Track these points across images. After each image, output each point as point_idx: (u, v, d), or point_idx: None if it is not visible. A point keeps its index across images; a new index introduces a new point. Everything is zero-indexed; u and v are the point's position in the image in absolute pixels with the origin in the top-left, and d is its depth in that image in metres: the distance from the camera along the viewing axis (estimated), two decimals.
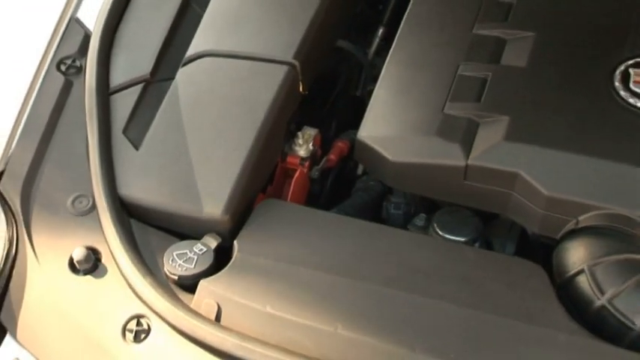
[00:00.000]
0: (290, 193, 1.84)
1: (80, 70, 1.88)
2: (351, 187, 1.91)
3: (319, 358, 1.50)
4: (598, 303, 1.58)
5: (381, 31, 2.06)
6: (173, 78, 1.85)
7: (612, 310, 1.57)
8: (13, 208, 1.72)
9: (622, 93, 1.74)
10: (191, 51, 1.88)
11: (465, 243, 1.75)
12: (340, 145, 1.91)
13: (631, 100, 1.73)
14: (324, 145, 1.92)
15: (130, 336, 1.57)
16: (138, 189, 1.72)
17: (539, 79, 1.80)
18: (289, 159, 1.86)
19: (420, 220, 1.81)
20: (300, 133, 1.87)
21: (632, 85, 1.75)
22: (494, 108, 1.75)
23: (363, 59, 2.03)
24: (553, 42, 1.85)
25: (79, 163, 1.76)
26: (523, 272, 1.64)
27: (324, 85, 1.96)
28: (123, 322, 1.58)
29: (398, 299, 1.58)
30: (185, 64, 1.86)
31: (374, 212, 1.86)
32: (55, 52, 1.91)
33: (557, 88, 1.78)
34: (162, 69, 1.88)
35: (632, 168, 1.66)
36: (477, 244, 1.76)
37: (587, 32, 1.87)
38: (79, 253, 1.63)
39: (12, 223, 1.70)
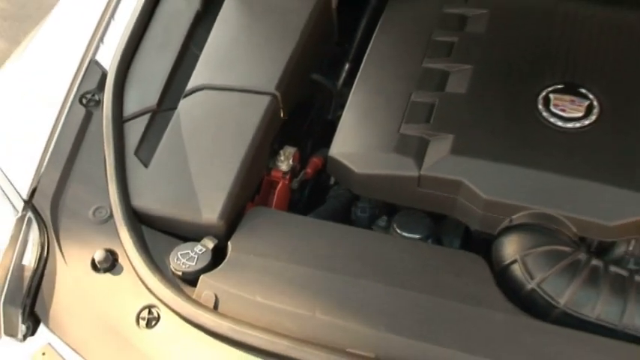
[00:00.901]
0: (274, 201, 1.85)
1: (99, 102, 1.87)
2: (325, 195, 1.92)
3: (300, 338, 1.51)
4: (529, 286, 1.60)
5: (347, 66, 2.06)
6: (176, 108, 1.85)
7: (541, 292, 1.59)
8: (44, 219, 1.72)
9: (544, 114, 1.76)
10: (190, 85, 1.88)
11: (419, 239, 1.75)
12: (315, 160, 1.92)
13: (552, 120, 1.75)
14: (302, 160, 1.93)
15: (142, 323, 1.58)
16: (147, 200, 1.72)
17: (477, 104, 1.80)
18: (273, 173, 1.86)
19: (382, 222, 1.81)
20: (281, 151, 1.88)
21: (552, 108, 1.77)
22: (441, 128, 1.75)
23: (333, 89, 2.04)
24: (488, 73, 1.86)
25: (98, 179, 1.75)
26: (467, 263, 1.66)
27: (302, 111, 1.96)
28: (137, 311, 1.59)
29: (365, 288, 1.60)
30: (185, 96, 1.86)
31: (344, 216, 1.87)
32: (78, 88, 1.91)
33: (492, 110, 1.79)
34: (166, 100, 1.88)
35: (554, 175, 1.68)
36: (429, 240, 1.76)
37: (515, 64, 1.88)
38: (99, 255, 1.64)
39: (43, 231, 1.70)
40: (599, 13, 1.97)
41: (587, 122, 1.75)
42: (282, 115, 1.85)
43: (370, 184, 1.76)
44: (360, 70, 1.92)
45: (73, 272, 1.66)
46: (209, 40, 1.96)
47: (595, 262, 1.63)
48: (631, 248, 1.72)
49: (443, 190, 1.71)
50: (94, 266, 1.65)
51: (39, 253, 1.68)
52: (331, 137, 1.82)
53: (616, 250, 1.73)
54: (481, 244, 1.73)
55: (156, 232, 1.70)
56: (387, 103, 1.83)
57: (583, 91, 1.79)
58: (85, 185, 1.77)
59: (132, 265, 1.64)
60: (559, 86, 1.81)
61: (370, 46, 1.96)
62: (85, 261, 1.66)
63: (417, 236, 1.76)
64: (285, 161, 1.87)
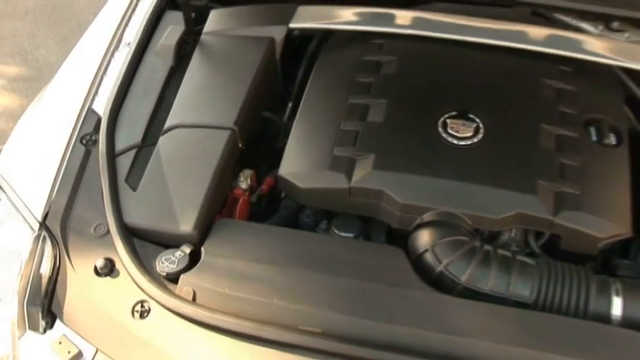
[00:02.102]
0: (237, 213, 1.84)
1: (95, 142, 1.86)
2: (278, 206, 1.92)
3: (262, 320, 1.53)
4: (438, 269, 1.62)
5: (290, 104, 2.06)
6: (156, 143, 1.84)
7: (447, 273, 1.62)
8: (55, 236, 1.71)
9: (443, 135, 1.78)
10: (167, 124, 1.87)
11: (353, 238, 1.76)
12: (269, 179, 1.91)
13: (449, 139, 1.77)
14: (258, 180, 1.92)
15: (137, 315, 1.58)
16: (136, 217, 1.71)
17: (392, 129, 1.82)
18: (235, 191, 1.86)
19: (323, 225, 1.82)
20: (241, 173, 1.87)
21: (448, 130, 1.79)
22: (365, 149, 1.76)
23: (280, 123, 2.04)
24: (399, 105, 1.87)
25: (97, 203, 1.74)
26: (390, 254, 1.67)
27: (256, 141, 1.96)
28: (132, 306, 1.59)
29: (311, 278, 1.61)
30: (163, 134, 1.85)
31: (293, 222, 1.87)
32: (79, 131, 1.90)
33: (404, 134, 1.81)
34: (149, 138, 1.87)
35: (453, 182, 1.71)
36: (360, 238, 1.77)
37: (419, 98, 1.89)
38: (100, 263, 1.64)
39: (55, 246, 1.69)
40: (481, 57, 1.99)
41: (475, 140, 1.77)
42: (240, 145, 1.85)
43: (312, 196, 1.77)
44: (300, 106, 1.92)
45: (80, 277, 1.66)
46: (180, 88, 1.95)
47: (487, 247, 1.66)
48: (513, 235, 1.75)
49: (368, 198, 1.72)
50: (97, 272, 1.64)
51: (52, 264, 1.67)
52: (280, 160, 1.82)
53: (502, 237, 1.75)
54: (400, 238, 1.73)
55: (144, 242, 1.69)
56: (322, 132, 1.83)
57: (471, 116, 1.82)
58: (87, 208, 1.75)
59: (126, 270, 1.63)
60: (453, 113, 1.82)
61: (307, 87, 1.97)
62: (89, 268, 1.65)
63: (351, 235, 1.76)
64: (244, 181, 1.86)
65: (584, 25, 2.16)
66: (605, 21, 2.13)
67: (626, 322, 1.56)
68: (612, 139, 1.84)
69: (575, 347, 1.49)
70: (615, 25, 2.13)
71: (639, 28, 2.12)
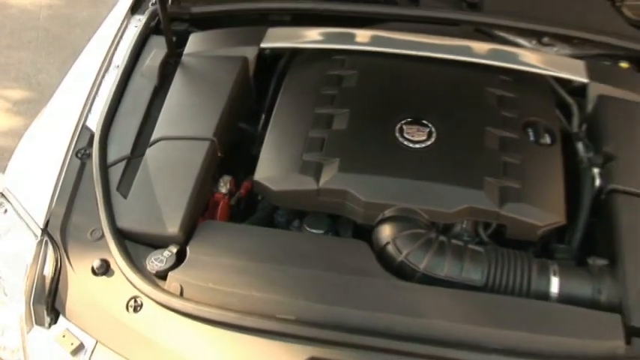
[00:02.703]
0: (218, 215, 1.82)
1: (89, 155, 1.84)
2: (255, 207, 1.90)
3: (242, 310, 1.52)
4: (399, 259, 1.62)
5: (263, 116, 2.04)
6: (144, 154, 1.82)
7: (407, 262, 1.61)
8: (56, 241, 1.69)
9: (400, 139, 1.78)
10: (153, 137, 1.85)
11: (323, 234, 1.75)
12: (247, 184, 1.89)
13: (405, 143, 1.77)
14: (237, 184, 1.90)
15: (131, 309, 1.57)
16: (128, 222, 1.69)
17: (355, 136, 1.81)
18: (216, 195, 1.84)
19: (296, 223, 1.80)
20: (221, 179, 1.85)
21: (405, 135, 1.79)
22: (331, 154, 1.75)
23: (255, 133, 2.02)
24: (360, 114, 1.86)
25: (92, 210, 1.72)
26: (356, 247, 1.66)
27: (234, 150, 1.94)
28: (126, 301, 1.58)
29: (286, 271, 1.60)
30: (150, 146, 1.83)
31: (269, 221, 1.85)
32: (75, 146, 1.88)
33: (365, 139, 1.80)
34: (137, 150, 1.84)
35: (410, 180, 1.71)
36: (329, 234, 1.76)
37: (378, 107, 1.89)
38: (96, 264, 1.62)
39: (56, 250, 1.68)
40: (432, 70, 2.00)
41: (428, 143, 1.77)
42: (219, 153, 1.83)
43: (285, 197, 1.76)
44: (272, 117, 1.91)
45: (79, 277, 1.64)
46: (164, 105, 1.93)
47: (442, 238, 1.66)
48: (464, 226, 1.75)
49: (335, 198, 1.71)
50: (94, 272, 1.63)
51: (54, 266, 1.65)
52: (256, 166, 1.80)
53: (455, 228, 1.75)
54: (366, 233, 1.72)
55: (136, 244, 1.67)
56: (292, 140, 1.82)
57: (425, 122, 1.82)
58: (83, 215, 1.73)
59: (120, 269, 1.62)
60: (408, 120, 1.82)
61: (278, 100, 1.96)
62: (86, 269, 1.64)
63: (321, 231, 1.75)
64: (224, 186, 1.85)
65: (520, 40, 2.21)
66: (537, 37, 2.19)
67: (563, 299, 1.58)
68: (547, 139, 1.86)
69: (519, 322, 1.50)
70: (546, 40, 2.19)
71: (565, 42, 2.18)
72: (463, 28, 2.21)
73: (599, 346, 1.47)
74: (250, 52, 2.05)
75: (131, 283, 1.59)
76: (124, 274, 1.60)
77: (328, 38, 2.08)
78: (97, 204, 1.72)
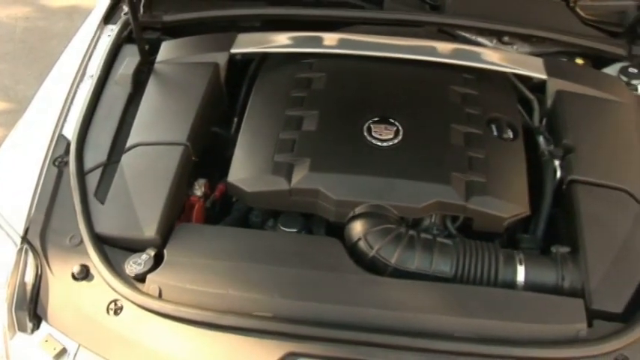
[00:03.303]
0: (194, 218, 1.80)
1: (67, 163, 1.81)
2: (230, 209, 1.88)
3: (219, 309, 1.51)
4: (371, 254, 1.62)
5: (235, 119, 2.03)
6: (120, 161, 1.80)
7: (379, 257, 1.61)
8: (36, 248, 1.67)
9: (368, 138, 1.77)
10: (128, 144, 1.83)
11: (296, 232, 1.74)
12: (221, 186, 1.88)
13: (373, 142, 1.77)
14: (212, 187, 1.89)
15: (111, 312, 1.55)
16: (106, 227, 1.67)
17: (324, 136, 1.80)
18: (191, 198, 1.82)
19: (270, 223, 1.79)
20: (196, 183, 1.84)
21: (373, 134, 1.78)
22: (302, 154, 1.75)
23: (228, 136, 2.00)
24: (329, 115, 1.86)
25: (71, 216, 1.70)
26: (328, 244, 1.66)
27: (208, 153, 1.93)
28: (106, 304, 1.56)
29: (262, 269, 1.59)
30: (126, 152, 1.81)
31: (244, 222, 1.83)
32: (52, 154, 1.85)
33: (334, 140, 1.80)
34: (113, 156, 1.82)
35: (379, 178, 1.71)
36: (303, 232, 1.75)
37: (346, 108, 1.89)
38: (76, 269, 1.61)
39: (37, 257, 1.65)
40: (398, 70, 2.00)
41: (396, 141, 1.77)
42: (193, 157, 1.82)
43: (258, 198, 1.75)
44: (244, 120, 1.90)
45: (59, 283, 1.62)
46: (138, 111, 1.91)
47: (411, 232, 1.66)
48: (433, 220, 1.75)
49: (307, 197, 1.71)
50: (74, 277, 1.61)
51: (35, 273, 1.63)
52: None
53: (424, 223, 1.75)
54: (338, 230, 1.72)
55: (114, 249, 1.65)
56: (263, 142, 1.81)
57: (392, 120, 1.81)
58: (62, 221, 1.71)
59: (100, 274, 1.60)
60: (376, 119, 1.82)
61: (249, 104, 1.95)
62: (67, 274, 1.62)
63: (294, 230, 1.74)
64: (199, 189, 1.83)
65: (481, 39, 2.22)
66: (498, 36, 2.21)
67: (529, 286, 1.59)
68: (510, 134, 1.87)
69: (488, 311, 1.51)
70: (506, 39, 2.22)
71: (525, 41, 2.21)
72: (427, 30, 2.22)
73: (563, 330, 1.49)
74: (221, 58, 2.04)
75: (111, 286, 1.57)
76: (103, 279, 1.58)
77: (297, 42, 2.07)
78: (75, 211, 1.70)
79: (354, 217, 1.67)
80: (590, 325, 1.50)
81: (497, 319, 1.50)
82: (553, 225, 1.77)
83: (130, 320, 1.54)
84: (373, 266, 1.60)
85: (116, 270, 1.59)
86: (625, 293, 1.54)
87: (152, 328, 1.52)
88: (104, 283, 1.58)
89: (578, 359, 1.45)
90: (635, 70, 2.10)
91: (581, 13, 2.27)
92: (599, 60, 2.18)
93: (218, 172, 1.89)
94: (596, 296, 1.53)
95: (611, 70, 2.14)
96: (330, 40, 2.07)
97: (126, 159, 1.79)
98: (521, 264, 1.61)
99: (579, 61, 2.18)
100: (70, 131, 1.89)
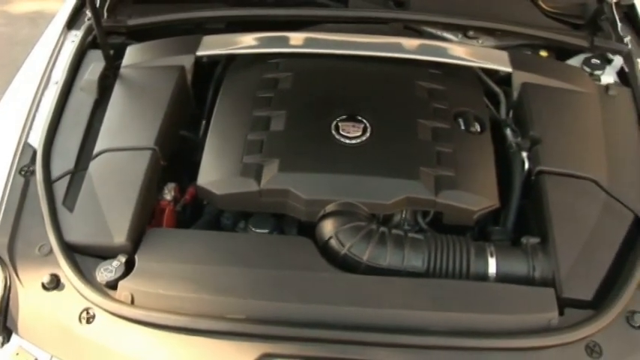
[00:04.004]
0: (165, 222, 1.79)
1: (33, 172, 1.78)
2: (201, 212, 1.87)
3: (191, 314, 1.50)
4: (342, 252, 1.61)
5: (204, 122, 2.01)
6: (87, 168, 1.78)
7: (350, 255, 1.61)
8: (4, 259, 1.63)
9: (336, 136, 1.78)
10: (95, 150, 1.81)
11: (268, 233, 1.73)
12: (191, 189, 1.86)
13: (341, 140, 1.77)
14: (182, 190, 1.87)
15: (83, 321, 1.53)
16: (75, 235, 1.65)
17: (292, 136, 1.80)
18: (162, 202, 1.80)
19: (241, 224, 1.77)
20: (165, 187, 1.82)
21: (340, 131, 1.79)
22: (270, 155, 1.74)
23: (196, 139, 1.99)
24: (296, 115, 1.85)
25: (39, 226, 1.67)
26: (300, 244, 1.65)
27: (177, 157, 1.91)
28: (78, 313, 1.54)
29: (234, 272, 1.58)
30: (93, 159, 1.79)
31: (215, 224, 1.83)
32: (18, 163, 1.82)
33: (302, 139, 1.80)
34: (80, 164, 1.80)
35: (348, 175, 1.71)
36: (275, 233, 1.75)
37: (313, 106, 1.88)
38: (46, 279, 1.58)
39: (5, 268, 1.62)
40: (364, 67, 2.01)
41: (364, 138, 1.77)
42: (162, 162, 1.81)
43: (228, 200, 1.73)
44: (211, 123, 1.89)
45: (29, 294, 1.59)
46: (105, 118, 1.89)
47: (382, 229, 1.66)
48: (404, 216, 1.76)
49: (277, 197, 1.70)
50: (44, 287, 1.58)
51: (4, 284, 1.60)
52: None
53: (395, 219, 1.76)
54: (310, 230, 1.71)
55: (84, 257, 1.63)
56: (232, 143, 1.80)
57: (359, 118, 1.82)
58: (31, 231, 1.68)
59: (70, 282, 1.57)
60: (343, 117, 1.82)
61: (216, 106, 1.94)
62: (37, 285, 1.59)
63: (266, 231, 1.73)
64: (168, 193, 1.81)
65: (447, 34, 2.23)
66: (462, 31, 2.23)
67: (500, 278, 1.60)
68: (477, 127, 1.89)
69: (461, 304, 1.52)
70: (471, 33, 2.23)
71: (489, 35, 2.22)
72: (392, 26, 2.22)
73: (535, 320, 1.50)
74: (187, 61, 2.02)
75: (82, 295, 1.55)
76: (74, 287, 1.56)
77: (262, 43, 2.07)
78: (43, 220, 1.67)
79: (325, 216, 1.67)
80: (561, 313, 1.51)
81: (469, 311, 1.51)
82: (523, 216, 1.79)
83: (103, 328, 1.52)
84: (345, 264, 1.60)
85: (87, 278, 1.57)
86: (594, 281, 1.56)
87: (125, 335, 1.50)
88: (75, 292, 1.56)
89: (550, 348, 1.46)
90: (598, 61, 2.13)
91: (543, 6, 2.30)
92: (562, 52, 2.21)
93: (188, 176, 1.88)
94: (567, 285, 1.55)
95: (575, 61, 2.17)
96: (296, 39, 2.07)
97: (94, 166, 1.77)
98: (492, 256, 1.62)
99: (543, 53, 2.21)
100: (36, 139, 1.86)
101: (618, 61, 2.15)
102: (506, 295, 1.55)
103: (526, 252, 1.63)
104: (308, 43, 2.06)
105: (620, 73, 2.14)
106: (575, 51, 2.19)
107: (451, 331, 1.48)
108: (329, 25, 2.19)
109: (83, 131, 1.88)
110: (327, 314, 1.49)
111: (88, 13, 2.09)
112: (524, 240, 1.67)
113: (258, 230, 1.73)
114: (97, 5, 2.08)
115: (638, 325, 1.50)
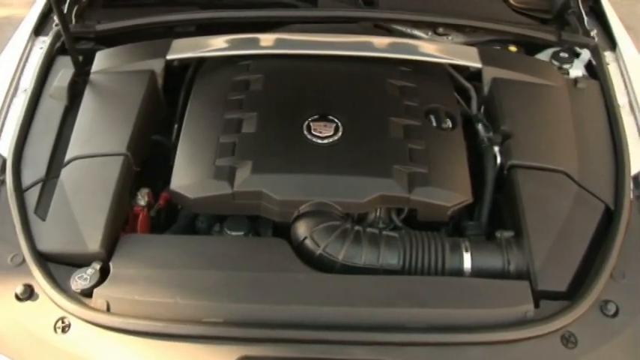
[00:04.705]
0: (139, 228, 1.78)
1: (3, 181, 1.76)
2: (176, 216, 1.86)
3: (168, 319, 1.49)
4: (318, 252, 1.62)
5: (176, 126, 2.00)
6: (59, 176, 1.75)
7: (326, 255, 1.62)
8: None
9: (308, 136, 1.78)
10: (67, 157, 1.79)
11: (243, 235, 1.72)
12: (165, 194, 1.85)
13: (314, 140, 1.77)
14: (156, 195, 1.86)
15: (59, 330, 1.51)
16: (48, 244, 1.63)
17: (264, 138, 1.80)
18: (135, 208, 1.79)
19: (217, 227, 1.77)
20: (138, 192, 1.81)
21: (312, 131, 1.79)
22: (243, 157, 1.74)
23: (169, 144, 1.98)
24: (268, 116, 1.85)
25: (12, 235, 1.65)
26: (275, 245, 1.65)
27: (150, 162, 1.90)
28: (53, 323, 1.52)
29: (210, 275, 1.58)
30: (65, 166, 1.77)
31: (191, 228, 1.82)
32: None
33: (274, 140, 1.79)
34: (52, 171, 1.78)
35: (321, 175, 1.71)
36: (250, 235, 1.74)
37: (285, 107, 1.88)
38: (20, 289, 1.56)
39: None
40: (335, 67, 2.01)
41: (336, 137, 1.78)
42: (134, 167, 1.79)
43: (202, 204, 1.72)
44: (183, 126, 1.88)
45: (3, 305, 1.56)
46: (76, 124, 1.87)
47: (357, 227, 1.67)
48: (378, 214, 1.76)
49: (251, 199, 1.69)
50: (18, 298, 1.56)
51: None
52: None
53: (369, 217, 1.76)
54: (284, 230, 1.71)
55: (58, 265, 1.61)
56: (203, 147, 1.79)
57: (331, 117, 1.82)
58: (2, 241, 1.65)
59: (45, 292, 1.56)
60: (315, 117, 1.82)
61: (187, 109, 1.93)
62: (10, 295, 1.56)
63: (241, 233, 1.72)
64: (142, 199, 1.80)
65: (416, 32, 2.25)
66: (432, 28, 2.25)
67: (476, 272, 1.62)
68: (449, 124, 1.90)
69: (437, 300, 1.53)
70: (440, 30, 2.26)
71: (459, 31, 2.25)
72: (362, 25, 2.23)
73: (511, 313, 1.51)
74: (157, 65, 2.01)
75: (57, 304, 1.53)
76: (49, 297, 1.54)
77: (232, 45, 2.06)
78: (15, 229, 1.65)
79: (299, 217, 1.67)
80: (537, 305, 1.53)
81: (446, 307, 1.52)
82: (497, 210, 1.80)
83: (79, 337, 1.50)
84: (321, 264, 1.60)
85: (61, 287, 1.55)
86: (568, 272, 1.58)
87: (102, 343, 1.49)
88: (50, 302, 1.54)
89: (527, 340, 1.48)
90: (566, 55, 2.16)
91: (512, 2, 2.33)
92: (531, 46, 2.23)
93: (161, 181, 1.87)
94: (541, 277, 1.56)
95: (543, 55, 2.19)
96: (266, 40, 2.07)
97: (65, 173, 1.75)
98: (467, 251, 1.63)
99: (512, 48, 2.24)
100: (6, 148, 1.84)
101: (586, 54, 2.18)
102: (481, 290, 1.56)
103: (500, 246, 1.64)
104: (278, 44, 2.06)
105: (588, 66, 2.17)
106: (543, 45, 2.21)
107: (428, 328, 1.49)
108: (299, 26, 2.19)
109: (54, 139, 1.86)
110: (304, 315, 1.49)
111: (56, 19, 2.07)
112: (498, 234, 1.68)
113: (233, 233, 1.72)
114: (65, 11, 2.07)
115: (611, 313, 1.53)
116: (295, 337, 1.46)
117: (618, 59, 2.20)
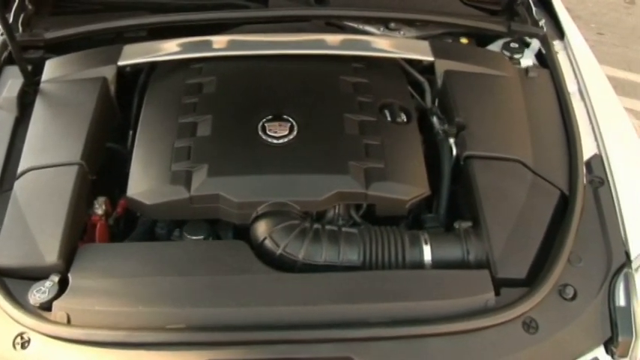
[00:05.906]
0: (97, 237, 1.75)
1: None
2: (135, 223, 1.84)
3: (128, 328, 1.47)
4: (278, 252, 1.62)
5: (131, 132, 1.98)
6: (12, 188, 1.72)
7: (286, 254, 1.62)
8: None
9: (263, 137, 1.77)
10: (19, 169, 1.76)
11: (203, 239, 1.71)
12: (122, 202, 1.83)
13: (268, 139, 1.77)
14: (114, 204, 1.84)
15: (18, 347, 1.48)
16: (4, 258, 1.60)
17: (219, 140, 1.79)
18: (93, 217, 1.77)
19: (176, 233, 1.75)
20: (95, 201, 1.78)
21: (267, 132, 1.78)
22: (199, 161, 1.72)
23: (124, 151, 1.95)
24: (222, 118, 1.84)
25: None
26: (235, 247, 1.65)
27: (106, 170, 1.88)
28: (12, 339, 1.49)
29: (171, 281, 1.57)
30: (18, 178, 1.74)
31: (150, 235, 1.80)
32: None
33: (230, 142, 1.79)
34: (4, 184, 1.75)
35: (277, 175, 1.72)
36: (210, 238, 1.72)
37: (239, 109, 1.87)
38: None
39: None
40: (288, 66, 2.01)
41: (291, 137, 1.78)
42: (90, 176, 1.77)
43: (159, 210, 1.71)
44: (137, 133, 1.86)
45: None
46: (28, 135, 1.84)
47: (316, 225, 1.67)
48: (337, 211, 1.77)
49: (208, 203, 1.69)
50: None
51: None
52: None
53: (328, 215, 1.76)
54: (245, 232, 1.70)
55: (15, 280, 1.58)
56: (159, 152, 1.78)
57: (285, 117, 1.82)
58: None
59: (2, 308, 1.52)
60: (269, 117, 1.82)
61: (141, 115, 1.91)
62: None
63: (201, 237, 1.71)
64: (99, 207, 1.77)
65: (368, 28, 2.25)
66: (384, 23, 2.25)
67: (436, 264, 1.63)
68: (404, 118, 1.91)
69: (398, 293, 1.54)
70: (392, 25, 2.26)
71: (411, 26, 2.26)
72: (314, 23, 2.24)
73: (473, 302, 1.53)
74: (109, 72, 1.99)
75: (15, 320, 1.50)
76: (6, 313, 1.51)
77: (184, 48, 2.05)
78: None
79: (258, 218, 1.67)
80: (497, 293, 1.55)
81: (408, 300, 1.53)
82: (455, 202, 1.82)
83: (40, 352, 1.47)
84: (282, 264, 1.60)
85: (19, 302, 1.52)
86: (527, 259, 1.61)
87: (64, 356, 1.47)
88: (7, 317, 1.51)
89: (489, 328, 1.50)
90: (517, 45, 2.19)
91: None
92: (482, 38, 2.26)
93: (118, 188, 1.85)
94: (501, 265, 1.58)
95: (494, 46, 2.22)
96: (218, 42, 2.06)
97: (19, 185, 1.72)
98: (426, 244, 1.64)
99: (464, 40, 2.26)
100: None
101: (535, 44, 2.22)
102: (442, 281, 1.58)
103: (459, 236, 1.66)
104: (230, 45, 2.05)
105: (538, 56, 2.21)
106: (494, 36, 2.24)
107: (391, 322, 1.49)
108: (250, 26, 2.19)
109: (5, 151, 1.83)
110: (267, 316, 1.49)
111: (1, 28, 2.03)
112: (456, 225, 1.70)
113: (193, 237, 1.71)
114: (11, 20, 2.03)
115: (569, 297, 1.56)
116: (259, 339, 1.46)
117: (567, 48, 2.24)
